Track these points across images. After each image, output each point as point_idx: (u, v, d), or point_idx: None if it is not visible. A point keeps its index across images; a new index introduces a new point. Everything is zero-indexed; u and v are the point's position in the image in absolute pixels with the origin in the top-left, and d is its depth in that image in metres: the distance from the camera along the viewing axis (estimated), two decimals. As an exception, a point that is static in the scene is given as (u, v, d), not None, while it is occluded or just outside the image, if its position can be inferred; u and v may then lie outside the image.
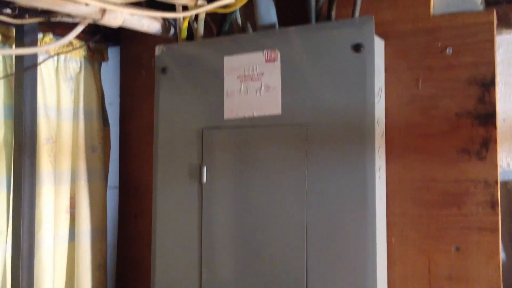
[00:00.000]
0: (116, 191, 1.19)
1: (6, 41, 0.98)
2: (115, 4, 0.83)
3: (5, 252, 0.94)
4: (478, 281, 0.84)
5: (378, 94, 0.86)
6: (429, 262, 0.87)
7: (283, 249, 0.88)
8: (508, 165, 0.90)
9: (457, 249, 0.85)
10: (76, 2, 0.80)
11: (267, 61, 0.91)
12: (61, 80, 1.08)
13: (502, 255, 0.85)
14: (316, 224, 0.85)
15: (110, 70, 1.22)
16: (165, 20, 0.99)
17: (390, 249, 0.89)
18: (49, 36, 1.04)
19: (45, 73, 1.04)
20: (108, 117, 1.19)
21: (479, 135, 0.85)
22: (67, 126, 1.09)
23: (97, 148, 1.15)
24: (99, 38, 1.11)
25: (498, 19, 0.86)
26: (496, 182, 0.84)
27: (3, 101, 0.97)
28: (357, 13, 0.90)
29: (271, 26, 0.95)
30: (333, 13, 0.92)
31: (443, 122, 0.87)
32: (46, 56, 1.04)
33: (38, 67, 1.00)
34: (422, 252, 0.88)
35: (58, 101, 1.09)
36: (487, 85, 0.85)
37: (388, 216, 0.89)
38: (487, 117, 0.85)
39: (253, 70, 0.93)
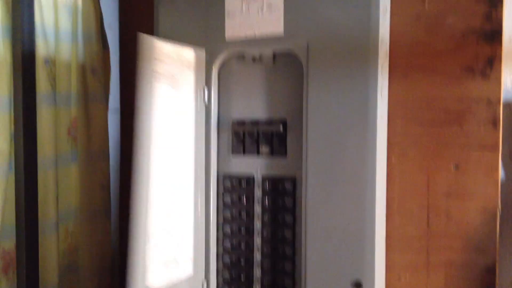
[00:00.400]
0: (117, 114, 1.20)
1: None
2: None
3: (8, 172, 0.95)
4: (476, 198, 0.85)
5: (384, 11, 0.85)
6: (428, 180, 0.88)
7: (284, 166, 0.90)
8: (512, 83, 0.90)
9: (457, 166, 0.86)
10: None
11: (268, -24, 0.90)
12: (58, 0, 1.07)
13: (501, 174, 0.86)
14: (316, 141, 0.86)
15: (108, -9, 1.20)
16: None
17: (390, 168, 0.90)
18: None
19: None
20: (107, 40, 1.18)
21: (484, 53, 0.85)
22: (66, 48, 1.08)
23: (97, 70, 1.15)
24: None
25: None
26: (499, 100, 0.84)
27: (1, 21, 0.96)
28: None
29: None
30: None
31: (448, 40, 0.87)
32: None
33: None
34: (421, 170, 0.89)
35: (56, 22, 1.08)
36: (495, 2, 0.84)
37: (389, 135, 0.90)
38: (493, 35, 0.84)
39: (254, -14, 0.91)
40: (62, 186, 1.09)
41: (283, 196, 0.93)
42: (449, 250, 0.87)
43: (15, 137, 0.98)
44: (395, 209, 0.91)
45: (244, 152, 0.96)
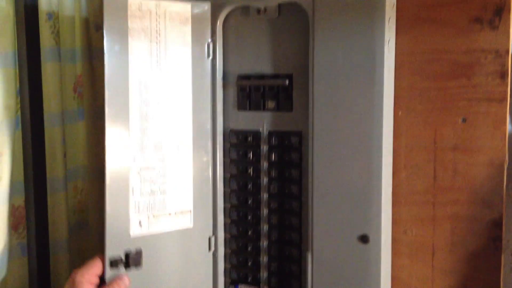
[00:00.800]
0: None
1: None
2: None
3: (14, 125, 0.96)
4: (483, 151, 0.86)
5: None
6: (435, 134, 0.89)
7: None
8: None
9: (464, 120, 0.86)
10: None
11: None
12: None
13: (509, 127, 0.86)
14: (322, 95, 0.87)
15: None
16: None
17: (396, 122, 0.90)
18: None
19: None
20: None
21: (493, 3, 0.84)
22: (69, 2, 1.08)
23: (100, 26, 1.14)
24: None
25: None
26: (507, 51, 0.83)
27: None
28: None
29: None
30: None
31: (456, -9, 0.85)
32: None
33: None
34: (428, 124, 0.89)
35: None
36: (505, -50, 0.83)
37: (395, 89, 0.90)
38: (502, -15, 0.83)
39: None
40: (69, 144, 1.11)
41: (290, 151, 0.93)
42: (456, 203, 0.88)
43: (21, 94, 0.99)
44: (401, 164, 0.91)
45: (249, 107, 0.96)
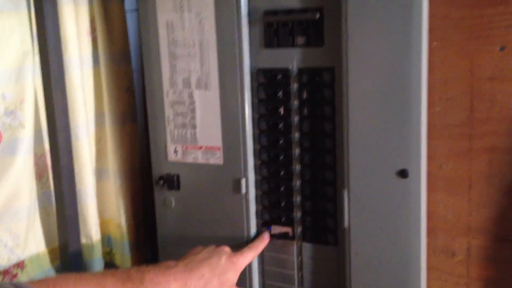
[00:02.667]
0: (134, 14, 1.18)
1: None
2: None
3: (34, 71, 0.95)
4: (522, 80, 0.85)
5: None
6: (471, 64, 0.88)
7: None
8: None
9: (502, 48, 0.86)
10: None
11: None
12: None
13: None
14: (356, 27, 0.85)
15: None
16: None
17: (431, 54, 0.89)
18: None
19: None
20: None
21: None
22: None
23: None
24: None
25: None
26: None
27: None
28: None
29: None
30: None
31: None
32: None
33: None
34: (464, 54, 0.89)
35: None
36: None
37: (430, 19, 0.88)
38: None
39: None
40: (87, 90, 1.10)
41: (322, 88, 0.93)
42: (493, 135, 0.89)
43: (38, 38, 0.97)
44: (436, 97, 0.91)
45: (278, 44, 0.95)
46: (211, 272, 0.86)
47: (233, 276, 0.89)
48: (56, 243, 1.07)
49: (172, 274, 0.81)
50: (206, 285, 0.84)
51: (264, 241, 0.98)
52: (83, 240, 1.10)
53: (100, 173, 1.19)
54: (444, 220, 0.96)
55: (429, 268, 0.97)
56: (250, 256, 0.93)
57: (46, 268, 1.03)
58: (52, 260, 1.06)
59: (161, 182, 1.07)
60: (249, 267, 1.00)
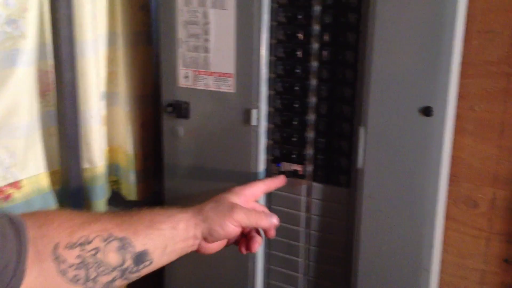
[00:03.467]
0: None
1: None
2: None
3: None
4: None
5: None
6: (518, -7, 0.78)
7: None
8: None
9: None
10: None
11: None
12: None
13: None
14: None
15: None
16: None
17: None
18: None
19: None
20: None
21: None
22: None
23: None
24: None
25: None
26: None
27: None
28: None
29: None
30: None
31: None
32: None
33: None
34: (511, -18, 0.78)
35: None
36: None
37: None
38: None
39: None
40: (98, 5, 1.03)
41: (346, 12, 0.85)
42: (535, 74, 0.80)
43: None
44: (474, 29, 0.82)
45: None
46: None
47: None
48: (57, 166, 1.03)
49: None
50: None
51: (278, 181, 0.91)
52: (86, 165, 1.06)
53: (110, 97, 1.14)
54: (469, 167, 0.88)
55: (448, 218, 0.90)
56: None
57: (44, 191, 1.00)
58: (53, 184, 1.03)
59: (170, 109, 1.01)
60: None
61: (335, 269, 0.94)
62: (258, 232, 0.82)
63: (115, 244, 0.64)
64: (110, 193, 1.18)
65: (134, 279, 0.66)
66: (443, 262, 0.91)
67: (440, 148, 0.80)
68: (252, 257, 0.98)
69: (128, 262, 0.65)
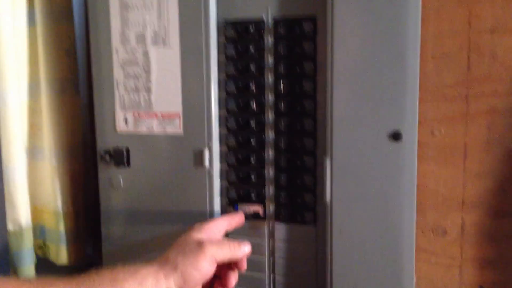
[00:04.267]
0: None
1: None
2: None
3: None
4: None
5: None
6: (469, 14, 0.79)
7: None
8: None
9: (504, -3, 0.77)
10: None
11: None
12: None
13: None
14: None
15: None
16: None
17: (424, 4, 0.80)
18: None
19: None
20: None
21: None
22: None
23: None
24: None
25: None
26: None
27: None
28: None
29: None
30: None
31: None
32: None
33: None
34: (461, 4, 0.79)
35: None
36: None
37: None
38: None
39: None
40: (20, 54, 0.94)
41: (301, 41, 0.81)
42: (493, 96, 0.80)
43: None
44: (428, 53, 0.82)
45: (249, -10, 0.83)
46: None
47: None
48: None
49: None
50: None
51: (238, 218, 0.83)
52: (10, 227, 0.92)
53: (33, 152, 1.03)
54: (434, 194, 0.86)
55: (416, 250, 0.86)
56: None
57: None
58: (-28, 250, 0.89)
59: (107, 157, 0.92)
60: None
61: (307, 317, 0.86)
62: (231, 268, 0.74)
63: None
64: (36, 259, 1.04)
65: None
66: (416, 297, 0.87)
67: (412, 174, 0.77)
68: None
69: None
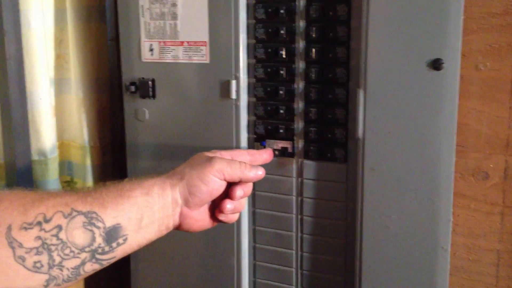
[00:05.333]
0: None
1: None
2: None
3: None
4: None
5: None
6: None
7: None
8: None
9: None
10: None
11: None
12: None
13: None
14: None
15: None
16: None
17: None
18: None
19: None
20: None
21: None
22: None
23: None
24: None
25: None
26: None
27: None
28: None
29: None
30: None
31: None
32: None
33: None
34: None
35: None
36: None
37: None
38: None
39: None
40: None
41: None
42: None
43: None
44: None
45: None
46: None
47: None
48: (0, 158, 0.88)
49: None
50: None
51: (265, 154, 0.75)
52: (35, 157, 0.91)
53: (60, 84, 1.01)
54: (476, 134, 0.79)
55: (455, 195, 0.80)
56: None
57: (-17, 186, 0.85)
58: (-4, 178, 0.88)
59: (133, 88, 0.89)
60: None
61: (334, 258, 0.82)
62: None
63: (80, 219, 0.51)
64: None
65: (108, 263, 0.53)
66: (452, 244, 0.82)
67: (453, 110, 0.71)
68: (235, 252, 0.86)
69: (98, 240, 0.52)
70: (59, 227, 0.50)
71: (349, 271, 0.80)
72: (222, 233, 0.85)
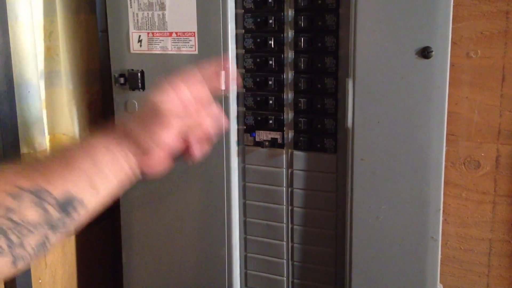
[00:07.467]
0: None
1: None
2: None
3: None
4: None
5: None
6: None
7: None
8: None
9: None
10: None
11: None
12: None
13: None
14: None
15: None
16: None
17: None
18: None
19: None
20: None
21: None
22: None
23: None
24: None
25: None
26: None
27: None
28: None
29: None
30: None
31: None
32: None
33: None
34: None
35: None
36: None
37: None
38: None
39: None
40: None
41: None
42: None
43: None
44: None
45: None
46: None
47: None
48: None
49: None
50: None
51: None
52: (24, 150, 0.90)
53: (50, 77, 0.99)
54: (467, 122, 0.79)
55: (446, 184, 0.80)
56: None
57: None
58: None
59: (122, 80, 0.88)
60: (227, 180, 0.82)
61: (325, 249, 0.82)
62: None
63: (29, 199, 0.49)
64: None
65: (77, 226, 0.51)
66: (444, 234, 0.81)
67: (443, 98, 0.70)
68: (226, 244, 0.85)
69: (54, 214, 0.50)
70: (9, 210, 0.48)
71: (339, 261, 0.80)
72: (213, 225, 0.85)
